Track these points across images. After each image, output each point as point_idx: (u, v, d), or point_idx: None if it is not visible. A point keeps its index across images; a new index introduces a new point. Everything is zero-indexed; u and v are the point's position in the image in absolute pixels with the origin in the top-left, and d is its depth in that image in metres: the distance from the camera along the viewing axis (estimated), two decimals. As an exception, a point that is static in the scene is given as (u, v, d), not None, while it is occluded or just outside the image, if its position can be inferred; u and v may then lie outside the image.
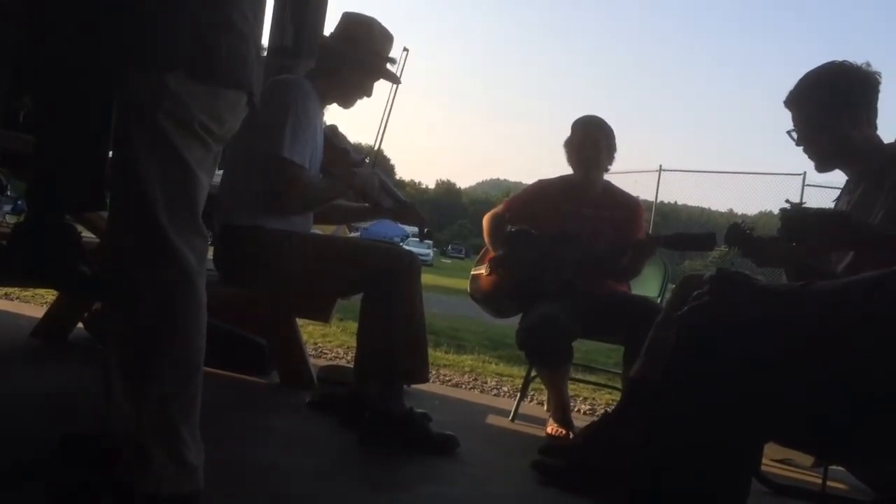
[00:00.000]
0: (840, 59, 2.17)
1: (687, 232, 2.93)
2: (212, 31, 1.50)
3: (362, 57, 2.70)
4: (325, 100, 2.76)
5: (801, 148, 2.21)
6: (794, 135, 2.20)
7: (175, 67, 1.46)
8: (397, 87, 2.83)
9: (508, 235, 3.13)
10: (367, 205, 2.94)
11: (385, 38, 2.77)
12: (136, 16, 1.49)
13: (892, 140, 2.15)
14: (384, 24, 2.76)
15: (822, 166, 2.21)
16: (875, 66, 2.11)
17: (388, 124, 2.94)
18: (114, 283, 1.52)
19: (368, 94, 2.82)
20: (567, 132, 3.19)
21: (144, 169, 1.45)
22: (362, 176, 2.74)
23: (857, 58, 2.15)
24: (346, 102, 2.82)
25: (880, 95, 2.14)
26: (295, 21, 3.60)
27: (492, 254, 3.14)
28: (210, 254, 2.69)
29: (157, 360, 1.45)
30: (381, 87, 2.86)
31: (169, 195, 1.46)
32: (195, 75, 1.48)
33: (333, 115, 3.76)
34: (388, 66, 2.79)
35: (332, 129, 2.92)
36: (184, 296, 1.48)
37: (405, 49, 2.82)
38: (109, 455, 1.46)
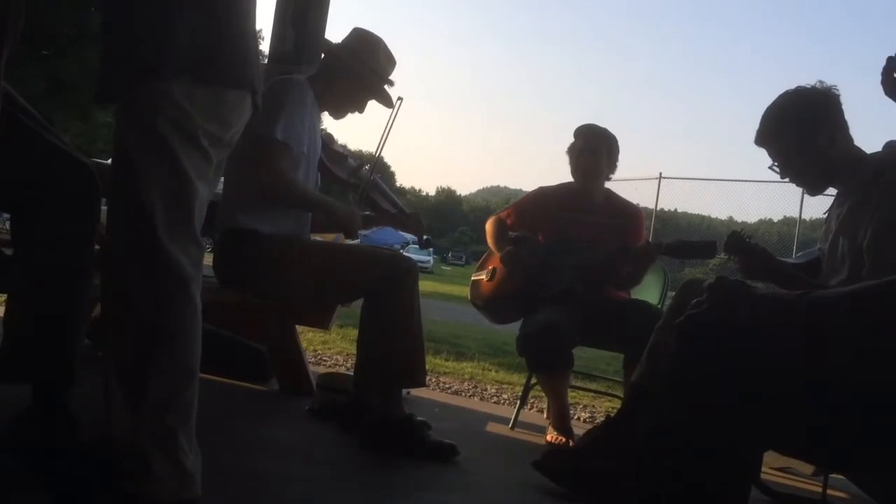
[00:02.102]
0: (792, 86, 2.20)
1: (688, 240, 2.93)
2: (212, 32, 1.51)
3: (360, 71, 2.72)
4: (320, 105, 2.77)
5: (787, 179, 2.25)
6: (777, 168, 2.23)
7: (177, 74, 1.46)
8: (399, 106, 2.84)
9: (511, 241, 3.13)
10: (367, 212, 2.94)
11: (387, 59, 2.79)
12: (135, 23, 1.50)
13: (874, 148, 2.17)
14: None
15: (813, 190, 2.25)
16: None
17: (389, 131, 2.94)
18: (110, 289, 1.52)
19: (360, 111, 2.83)
20: (568, 139, 3.20)
21: (143, 176, 1.46)
22: (344, 212, 2.72)
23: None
24: (338, 113, 2.83)
25: (878, 101, 2.15)
26: (296, 27, 3.61)
27: (496, 255, 3.14)
28: (210, 260, 2.70)
29: (152, 366, 1.45)
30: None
31: (166, 203, 1.47)
32: (198, 77, 1.49)
33: (333, 126, 3.79)
34: (386, 87, 2.80)
35: (329, 137, 2.93)
36: (179, 303, 1.48)
37: (399, 98, 2.83)
38: (110, 461, 1.46)
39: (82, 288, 1.83)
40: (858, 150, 2.16)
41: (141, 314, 1.46)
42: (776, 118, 2.19)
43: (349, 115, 2.88)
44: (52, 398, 1.80)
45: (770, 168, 2.23)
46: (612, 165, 3.14)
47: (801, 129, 2.13)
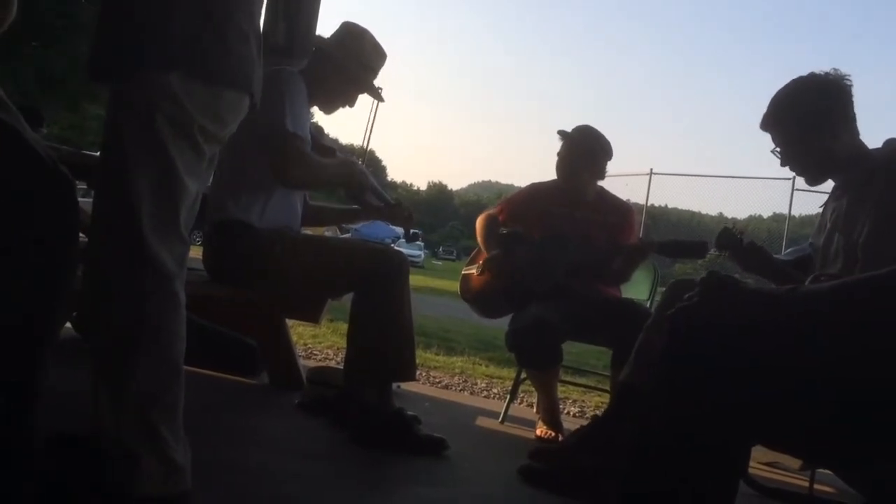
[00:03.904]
0: (805, 72, 2.16)
1: (680, 239, 2.94)
2: (214, 31, 1.50)
3: (349, 66, 2.71)
4: (310, 100, 2.76)
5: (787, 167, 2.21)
6: (779, 154, 2.19)
7: (175, 67, 1.45)
8: (377, 105, 2.85)
9: (501, 237, 3.13)
10: (355, 207, 2.94)
11: (375, 52, 2.78)
12: (135, 15, 1.49)
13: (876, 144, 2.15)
14: (372, 20, 2.78)
15: (812, 181, 2.20)
16: (859, 71, 2.09)
17: (379, 124, 2.95)
18: (92, 282, 1.51)
19: (351, 105, 2.83)
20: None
21: (132, 170, 1.45)
22: (357, 167, 2.74)
23: (842, 62, 2.14)
24: (328, 108, 2.83)
25: (870, 96, 2.12)
26: (288, 20, 3.59)
27: (484, 254, 3.15)
28: (199, 253, 2.69)
29: (134, 362, 1.44)
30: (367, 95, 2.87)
31: (154, 199, 1.46)
32: (197, 75, 1.48)
33: (324, 119, 3.79)
34: (375, 80, 2.80)
35: (318, 129, 2.93)
36: (160, 299, 1.47)
37: (378, 98, 2.84)
38: (98, 455, 1.45)
39: (54, 296, 1.77)
40: (862, 145, 2.12)
41: (122, 309, 1.46)
42: (784, 104, 2.15)
43: (340, 110, 2.88)
44: (14, 408, 1.75)
45: (772, 152, 2.19)
46: (595, 171, 3.11)
47: (807, 118, 2.08)
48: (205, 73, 1.49)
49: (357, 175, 2.73)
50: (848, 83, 2.10)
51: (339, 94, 2.80)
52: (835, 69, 2.11)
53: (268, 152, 2.48)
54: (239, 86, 1.56)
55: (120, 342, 1.46)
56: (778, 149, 2.18)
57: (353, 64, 2.72)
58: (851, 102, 2.10)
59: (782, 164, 2.20)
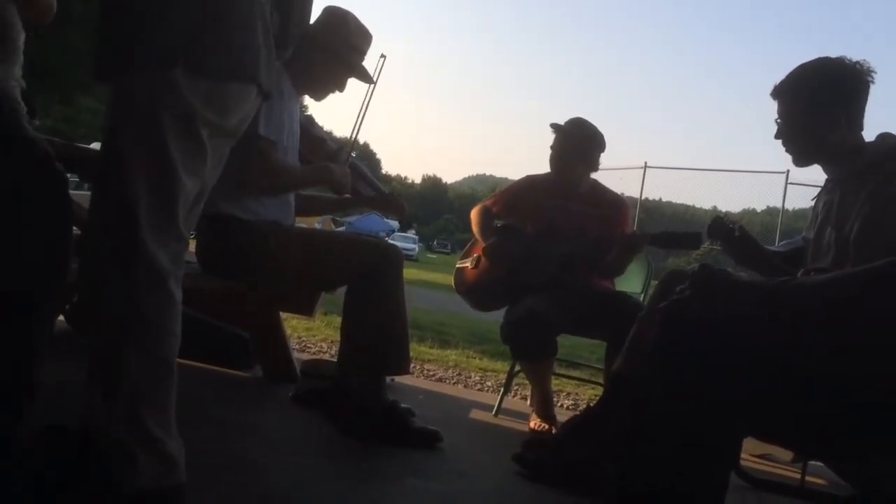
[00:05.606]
0: (836, 55, 2.10)
1: (674, 231, 2.94)
2: (213, 23, 1.49)
3: (336, 48, 2.70)
4: (300, 89, 2.75)
5: (780, 141, 2.17)
6: (777, 124, 2.16)
7: (176, 63, 1.44)
8: (374, 87, 2.82)
9: (496, 229, 3.13)
10: (347, 196, 2.93)
11: (360, 33, 2.76)
12: (134, 13, 1.48)
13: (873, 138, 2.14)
14: (369, 18, 2.75)
15: (799, 161, 2.18)
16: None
17: (374, 118, 2.93)
18: (87, 278, 1.51)
19: (341, 90, 2.81)
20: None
21: (131, 166, 1.44)
22: (337, 172, 2.73)
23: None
24: (318, 94, 2.81)
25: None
26: (282, 12, 3.57)
27: (481, 244, 3.15)
28: (193, 247, 2.67)
29: (126, 358, 1.44)
30: (360, 82, 2.85)
31: (151, 199, 1.45)
32: (199, 69, 1.47)
33: (312, 108, 3.78)
34: (363, 62, 2.78)
35: (310, 119, 2.91)
36: (155, 297, 1.47)
37: (382, 56, 2.81)
38: (92, 449, 1.45)
39: (47, 290, 1.74)
40: (860, 139, 2.09)
41: (116, 306, 1.45)
42: (797, 79, 2.12)
43: (331, 97, 2.86)
44: (8, 402, 1.73)
45: (775, 121, 2.17)
46: (588, 163, 3.11)
47: (811, 100, 2.06)
48: (206, 67, 1.48)
49: (336, 181, 2.71)
50: (867, 80, 2.07)
51: (329, 80, 2.77)
52: (865, 61, 2.07)
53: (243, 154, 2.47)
54: (243, 77, 1.55)
55: (112, 338, 1.45)
56: (779, 119, 2.16)
57: (342, 48, 2.70)
58: (863, 98, 2.08)
59: (776, 136, 2.17)
